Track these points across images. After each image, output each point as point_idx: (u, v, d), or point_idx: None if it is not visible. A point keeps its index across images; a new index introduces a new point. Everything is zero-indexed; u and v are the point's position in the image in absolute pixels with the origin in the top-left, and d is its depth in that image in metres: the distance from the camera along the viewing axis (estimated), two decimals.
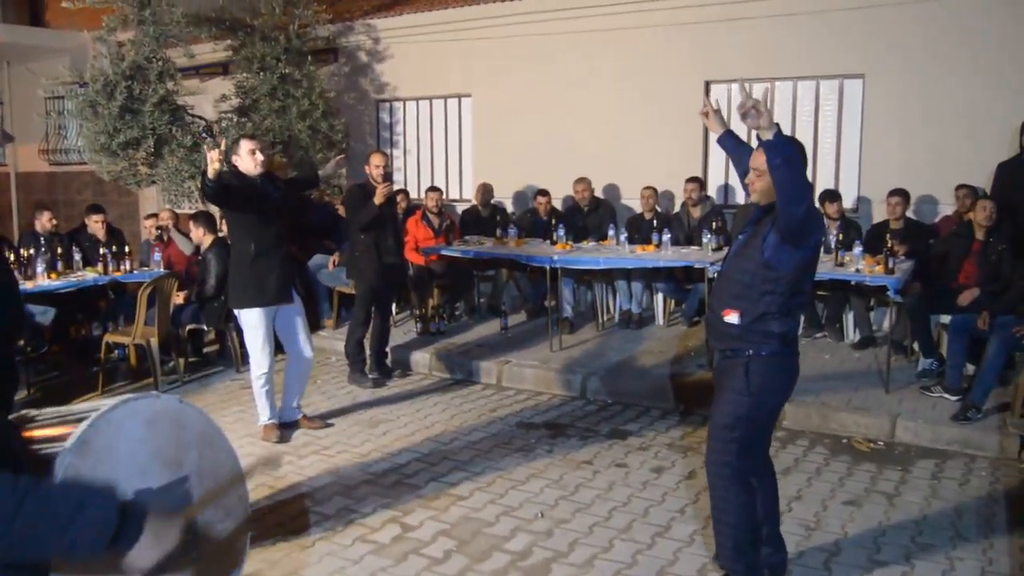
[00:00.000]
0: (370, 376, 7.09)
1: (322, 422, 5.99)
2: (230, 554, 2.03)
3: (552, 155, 9.84)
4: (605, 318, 8.68)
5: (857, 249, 6.80)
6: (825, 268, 6.59)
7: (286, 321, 5.69)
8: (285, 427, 5.81)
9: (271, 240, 5.50)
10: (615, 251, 7.78)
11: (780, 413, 3.73)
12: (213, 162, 4.94)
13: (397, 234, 7.30)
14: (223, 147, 5.18)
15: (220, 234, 7.59)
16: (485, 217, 9.45)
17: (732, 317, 3.37)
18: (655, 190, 8.69)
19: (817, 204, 7.63)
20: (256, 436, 5.76)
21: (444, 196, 10.32)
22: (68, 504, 1.37)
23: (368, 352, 7.19)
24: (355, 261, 7.04)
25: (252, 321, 5.52)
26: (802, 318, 3.73)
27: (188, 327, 7.49)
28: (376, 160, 6.93)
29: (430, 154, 11.14)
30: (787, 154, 3.06)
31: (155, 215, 9.20)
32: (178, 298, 7.39)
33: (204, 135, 9.58)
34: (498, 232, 8.56)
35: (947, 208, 7.86)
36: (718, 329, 3.46)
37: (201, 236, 7.47)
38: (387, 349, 7.36)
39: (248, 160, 5.44)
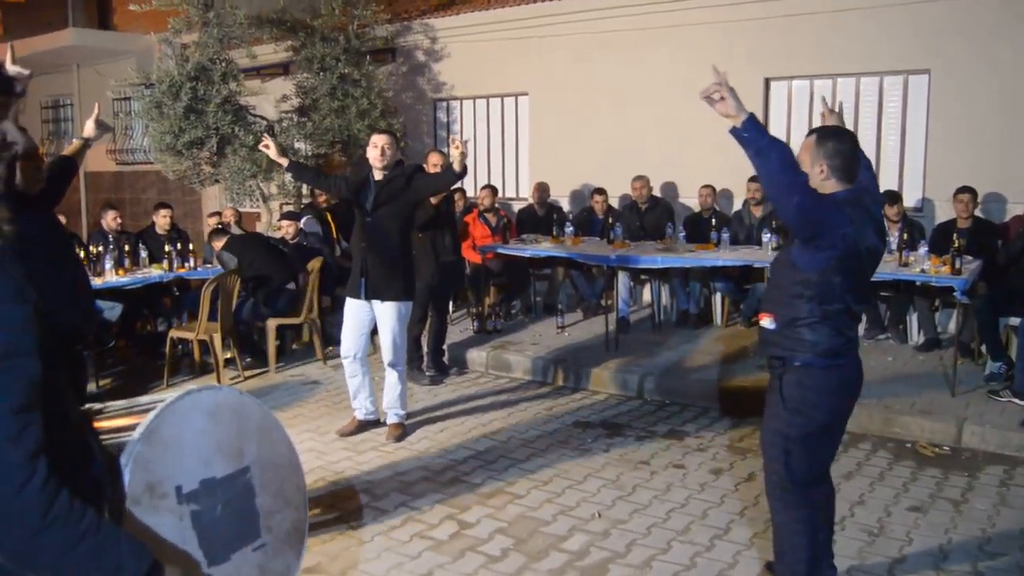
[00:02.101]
0: (427, 373, 7.14)
1: (393, 438, 5.67)
2: (294, 534, 2.07)
3: (609, 153, 9.80)
4: (662, 317, 8.62)
5: (922, 249, 6.66)
6: (889, 268, 6.47)
7: (378, 324, 5.69)
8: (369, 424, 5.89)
9: (357, 235, 5.70)
10: (673, 250, 7.73)
11: (834, 430, 3.32)
12: (269, 152, 5.84)
13: (454, 233, 7.34)
14: (269, 140, 5.87)
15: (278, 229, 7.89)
16: (542, 216, 9.45)
17: (767, 321, 3.22)
18: (713, 188, 8.61)
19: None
20: (314, 431, 5.85)
21: (501, 195, 10.38)
22: (113, 557, 1.42)
23: (425, 350, 7.24)
24: (412, 260, 7.08)
25: (344, 306, 5.74)
26: (858, 326, 3.27)
27: (258, 324, 7.66)
28: (434, 159, 6.97)
29: (487, 153, 11.18)
30: (759, 145, 2.80)
31: (218, 213, 9.40)
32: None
33: (265, 135, 9.74)
34: (555, 231, 8.56)
35: (1017, 208, 7.64)
36: (760, 334, 3.33)
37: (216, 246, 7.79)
38: (444, 347, 7.40)
39: (369, 151, 5.59)
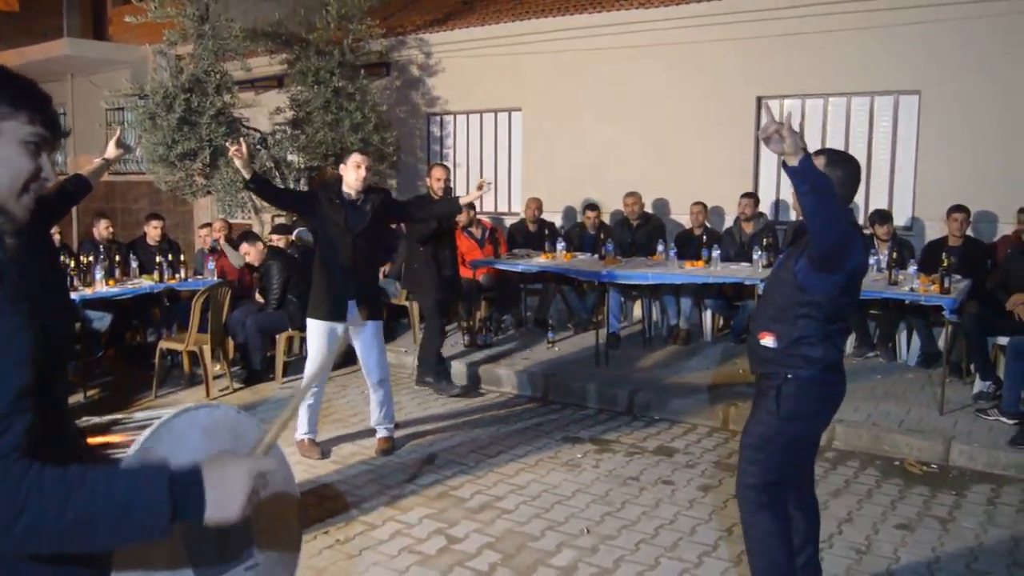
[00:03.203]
0: (457, 385, 7.18)
1: (382, 453, 5.70)
2: (288, 553, 2.06)
3: (602, 170, 9.84)
4: (652, 334, 8.63)
5: (912, 268, 6.69)
6: (878, 287, 6.51)
7: (360, 344, 5.62)
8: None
9: (336, 256, 5.43)
10: (664, 266, 7.75)
11: (817, 440, 3.49)
12: (236, 159, 5.29)
13: (453, 247, 7.39)
14: (244, 146, 5.40)
15: (271, 243, 7.82)
16: (533, 232, 9.46)
17: (768, 340, 3.24)
18: (705, 206, 8.64)
19: (866, 226, 7.58)
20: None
21: (493, 209, 10.42)
22: (116, 496, 1.37)
23: (432, 361, 7.19)
24: (415, 275, 7.09)
25: (311, 331, 5.54)
26: (848, 343, 3.35)
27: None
28: (438, 173, 6.95)
29: (480, 167, 11.20)
30: (814, 182, 2.83)
31: (210, 224, 9.37)
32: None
33: (259, 147, 9.75)
34: (546, 246, 8.57)
35: (1006, 227, 7.69)
36: (755, 352, 3.33)
37: (258, 250, 7.63)
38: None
39: (351, 172, 5.42)
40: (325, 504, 4.85)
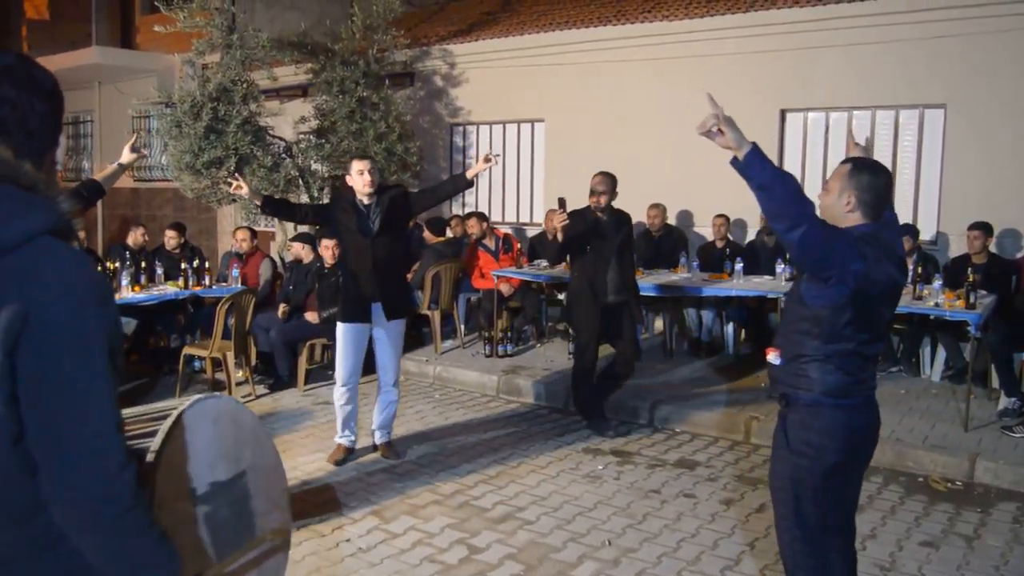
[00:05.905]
0: (609, 426, 6.49)
1: (396, 455, 5.83)
2: (283, 527, 2.17)
3: (624, 181, 9.76)
4: (673, 345, 8.62)
5: (936, 283, 6.66)
6: (903, 301, 6.42)
7: (379, 347, 5.66)
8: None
9: (359, 260, 5.51)
10: (686, 279, 7.74)
11: (850, 479, 3.07)
12: (240, 193, 5.70)
13: (622, 267, 6.34)
14: (243, 181, 5.73)
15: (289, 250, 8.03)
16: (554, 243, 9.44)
17: (772, 356, 3.05)
18: (727, 218, 8.63)
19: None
20: (325, 452, 5.84)
21: (515, 219, 10.46)
22: (168, 545, 1.55)
23: (582, 399, 6.56)
24: (570, 299, 6.61)
25: (338, 334, 5.63)
26: (873, 368, 3.03)
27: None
28: (597, 185, 6.38)
29: (502, 178, 11.24)
30: (761, 180, 2.66)
31: (244, 227, 9.37)
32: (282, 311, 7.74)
33: (283, 156, 9.83)
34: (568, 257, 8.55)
35: None
36: (768, 371, 3.13)
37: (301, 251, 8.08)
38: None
39: (356, 179, 5.46)
40: (347, 513, 4.87)
